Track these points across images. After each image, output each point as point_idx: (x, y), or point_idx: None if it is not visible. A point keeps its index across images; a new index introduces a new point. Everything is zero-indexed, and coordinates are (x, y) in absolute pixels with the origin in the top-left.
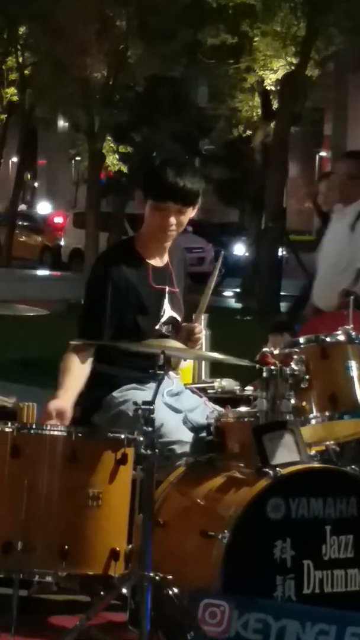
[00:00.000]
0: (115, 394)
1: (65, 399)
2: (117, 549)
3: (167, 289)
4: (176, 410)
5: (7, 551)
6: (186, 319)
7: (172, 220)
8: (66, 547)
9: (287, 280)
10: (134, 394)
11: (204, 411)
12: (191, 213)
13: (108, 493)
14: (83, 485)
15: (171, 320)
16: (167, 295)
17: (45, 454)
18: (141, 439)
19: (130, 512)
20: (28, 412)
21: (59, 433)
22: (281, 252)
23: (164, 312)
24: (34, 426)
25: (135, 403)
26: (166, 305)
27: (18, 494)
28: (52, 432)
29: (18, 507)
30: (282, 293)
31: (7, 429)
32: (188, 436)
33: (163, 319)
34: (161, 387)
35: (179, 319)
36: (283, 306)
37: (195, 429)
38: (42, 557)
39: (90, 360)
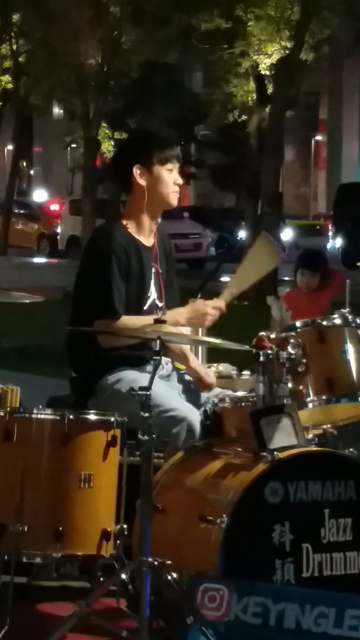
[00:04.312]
0: (108, 377)
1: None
2: (108, 529)
3: (153, 268)
4: None
5: (1, 534)
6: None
7: (179, 176)
8: (60, 528)
9: (285, 265)
10: (126, 374)
11: (194, 395)
12: None
13: (99, 474)
14: (75, 467)
15: (155, 305)
16: (152, 277)
17: (38, 437)
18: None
19: (117, 495)
20: (12, 395)
21: (51, 416)
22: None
23: (150, 294)
24: (25, 410)
25: (132, 388)
26: (152, 287)
27: (11, 477)
28: (44, 416)
29: (12, 490)
30: (279, 278)
31: None
32: (183, 404)
33: (149, 301)
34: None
35: (159, 302)
36: (280, 290)
37: None
38: (37, 539)
39: None
